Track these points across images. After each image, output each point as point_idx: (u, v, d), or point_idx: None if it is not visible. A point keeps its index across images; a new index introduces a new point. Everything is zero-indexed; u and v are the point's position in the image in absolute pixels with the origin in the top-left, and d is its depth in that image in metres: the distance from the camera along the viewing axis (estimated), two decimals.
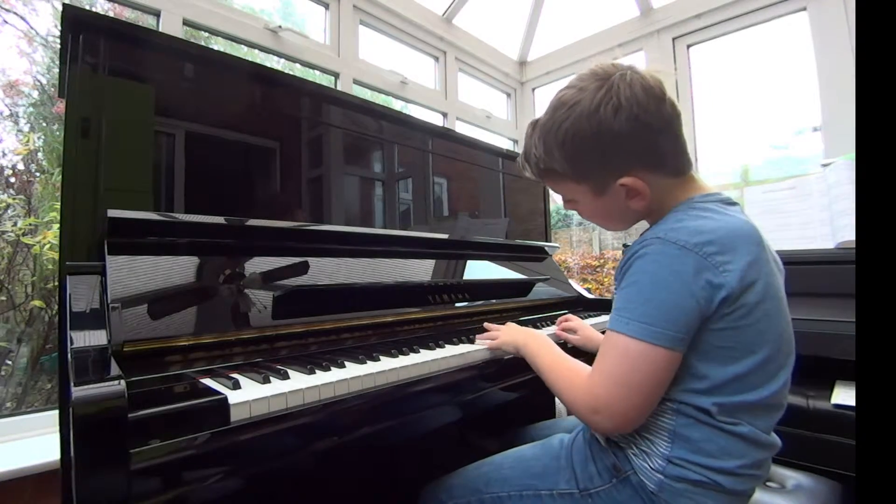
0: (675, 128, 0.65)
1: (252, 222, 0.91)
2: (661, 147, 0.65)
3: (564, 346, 1.09)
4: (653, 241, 0.60)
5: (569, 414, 1.70)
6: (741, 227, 0.61)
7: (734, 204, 0.67)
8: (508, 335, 0.90)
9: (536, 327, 1.18)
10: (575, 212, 0.78)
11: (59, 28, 0.81)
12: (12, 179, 1.46)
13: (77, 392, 0.47)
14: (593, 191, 0.70)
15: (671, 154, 0.66)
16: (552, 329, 1.14)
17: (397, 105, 2.20)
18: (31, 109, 1.57)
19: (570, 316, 1.16)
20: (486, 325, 1.00)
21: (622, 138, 0.63)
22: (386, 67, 2.10)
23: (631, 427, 0.63)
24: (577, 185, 0.71)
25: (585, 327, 1.09)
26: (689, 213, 0.64)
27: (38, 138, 1.54)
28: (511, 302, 1.36)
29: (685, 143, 0.67)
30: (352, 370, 0.72)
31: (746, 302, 0.58)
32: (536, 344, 0.81)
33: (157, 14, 1.44)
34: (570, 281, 1.67)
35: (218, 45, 1.68)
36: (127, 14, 1.54)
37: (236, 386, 0.60)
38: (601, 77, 0.64)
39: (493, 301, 1.29)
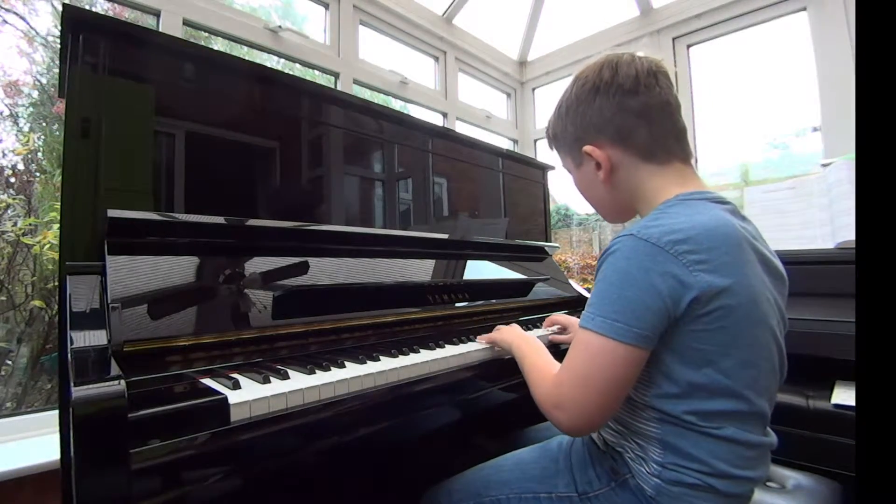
0: (649, 116, 0.66)
1: (252, 222, 0.91)
2: (628, 125, 0.67)
3: (557, 347, 1.09)
4: (626, 238, 0.60)
5: None
6: (720, 226, 0.59)
7: (725, 203, 0.65)
8: (506, 334, 0.90)
9: (536, 327, 1.18)
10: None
11: (59, 28, 0.81)
12: (12, 179, 1.46)
13: (77, 392, 0.47)
14: (574, 162, 0.76)
15: (640, 135, 0.67)
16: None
17: (397, 105, 2.20)
18: (31, 109, 1.57)
19: (554, 316, 1.16)
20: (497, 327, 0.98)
21: (592, 110, 0.69)
22: (386, 67, 2.10)
23: (591, 426, 0.63)
24: (565, 156, 0.78)
25: (576, 324, 1.10)
26: (669, 210, 0.63)
27: (38, 138, 1.54)
28: (511, 302, 1.36)
29: (671, 133, 0.67)
30: (352, 370, 0.72)
31: (723, 304, 0.56)
32: (526, 346, 0.81)
33: (157, 14, 1.44)
34: (570, 281, 1.67)
35: (218, 45, 1.68)
36: (127, 14, 1.54)
37: (236, 386, 0.60)
38: (606, 59, 0.70)
39: (493, 301, 1.29)
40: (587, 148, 0.70)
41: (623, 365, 0.57)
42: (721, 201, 0.65)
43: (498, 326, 0.97)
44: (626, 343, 0.56)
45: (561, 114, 0.75)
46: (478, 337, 0.97)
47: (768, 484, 0.87)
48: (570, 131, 0.73)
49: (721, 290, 0.56)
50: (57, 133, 1.53)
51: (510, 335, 0.89)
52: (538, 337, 1.07)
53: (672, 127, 0.68)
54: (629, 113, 0.66)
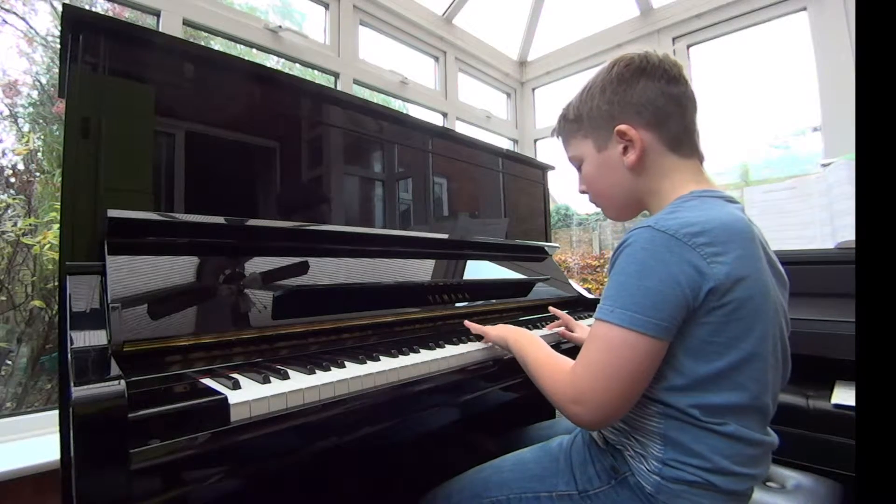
0: (684, 106, 0.69)
1: (252, 222, 0.91)
2: (665, 110, 0.68)
3: (558, 347, 1.09)
4: (643, 230, 0.60)
5: None
6: (735, 222, 0.60)
7: (735, 202, 0.67)
8: (499, 330, 0.89)
9: (536, 327, 1.18)
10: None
11: (59, 28, 0.81)
12: (12, 179, 1.46)
13: (77, 392, 0.47)
14: (596, 145, 0.74)
15: (674, 123, 0.68)
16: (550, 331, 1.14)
17: (397, 105, 2.20)
18: (31, 109, 1.57)
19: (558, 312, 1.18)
20: (465, 322, 0.98)
21: (634, 90, 0.68)
22: (386, 67, 2.10)
23: (611, 419, 0.62)
24: (584, 140, 0.76)
25: (581, 326, 1.12)
26: (684, 205, 0.64)
27: (38, 138, 1.54)
28: (511, 302, 1.36)
29: (694, 131, 0.70)
30: (352, 370, 0.72)
31: (736, 297, 0.56)
32: (525, 340, 0.80)
33: (157, 14, 1.44)
34: (570, 281, 1.67)
35: (218, 45, 1.68)
36: (127, 14, 1.54)
37: (236, 386, 0.60)
38: (645, 51, 0.71)
39: (493, 301, 1.29)
40: (623, 127, 0.68)
41: (645, 357, 0.57)
42: (732, 201, 0.67)
43: (468, 323, 0.98)
44: (648, 335, 0.56)
45: (593, 93, 0.73)
46: (465, 322, 0.97)
47: (768, 484, 0.87)
48: (604, 109, 0.71)
49: (736, 281, 0.56)
50: (57, 133, 1.53)
51: (504, 332, 0.87)
52: (541, 337, 1.08)
53: (696, 124, 0.70)
54: (669, 99, 0.68)
